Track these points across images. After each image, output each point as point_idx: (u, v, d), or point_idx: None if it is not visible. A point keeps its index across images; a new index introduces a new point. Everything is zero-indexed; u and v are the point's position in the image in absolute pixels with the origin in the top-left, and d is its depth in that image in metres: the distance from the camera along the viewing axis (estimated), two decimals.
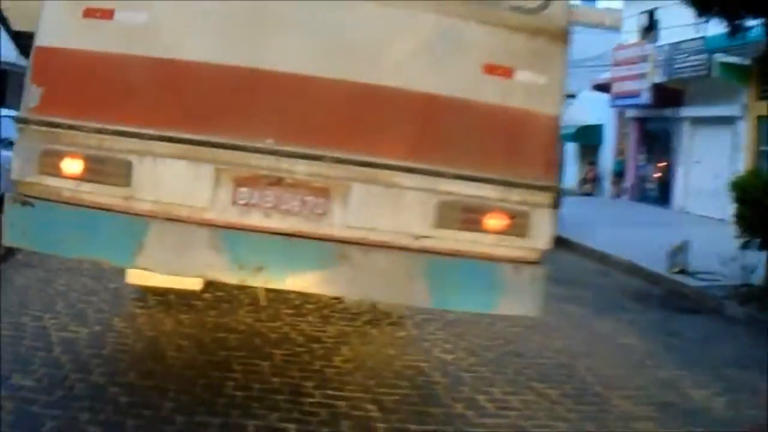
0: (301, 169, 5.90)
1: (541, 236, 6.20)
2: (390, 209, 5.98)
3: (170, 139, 5.82)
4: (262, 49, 5.93)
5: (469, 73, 6.09)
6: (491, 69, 6.11)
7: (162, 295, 10.27)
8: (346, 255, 5.96)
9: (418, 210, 6.00)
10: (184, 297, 10.24)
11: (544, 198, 6.19)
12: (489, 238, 6.12)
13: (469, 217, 6.06)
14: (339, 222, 5.98)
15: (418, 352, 9.41)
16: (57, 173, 5.88)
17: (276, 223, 5.94)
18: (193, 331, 9.16)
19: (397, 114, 6.01)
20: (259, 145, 5.84)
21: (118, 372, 7.67)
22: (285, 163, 5.88)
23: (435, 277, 6.11)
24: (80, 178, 5.88)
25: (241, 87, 5.91)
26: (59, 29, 6.00)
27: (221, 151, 5.85)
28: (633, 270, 17.51)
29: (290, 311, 10.38)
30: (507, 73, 6.14)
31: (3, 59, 28.35)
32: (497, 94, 6.12)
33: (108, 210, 5.89)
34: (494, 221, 6.10)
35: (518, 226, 6.13)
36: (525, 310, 6.44)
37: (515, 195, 6.10)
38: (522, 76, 6.17)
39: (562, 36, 6.28)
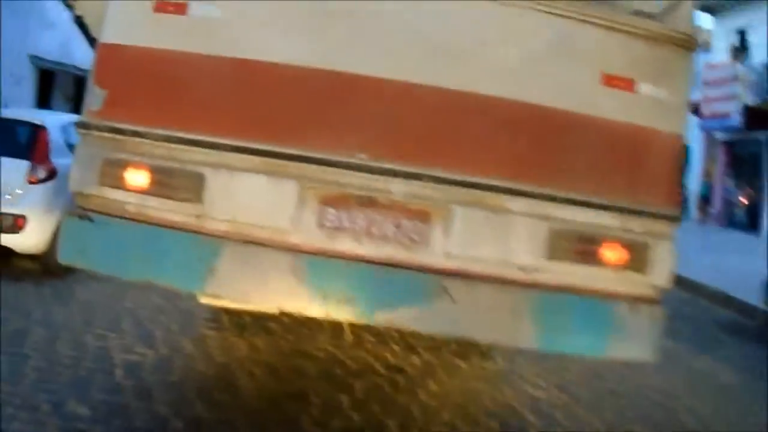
0: (398, 188, 5.26)
1: (661, 272, 5.55)
2: (496, 237, 5.34)
3: (249, 151, 5.21)
4: (354, 50, 5.29)
5: (587, 84, 5.43)
6: (610, 80, 5.44)
7: (237, 316, 9.66)
8: (446, 288, 5.29)
9: (527, 238, 5.34)
10: (260, 319, 9.62)
11: (666, 228, 5.57)
12: (605, 273, 5.46)
13: (584, 248, 5.41)
14: (439, 250, 5.33)
15: (508, 387, 8.77)
16: (120, 185, 5.34)
17: (367, 249, 5.30)
18: (268, 358, 8.57)
19: (506, 128, 5.35)
20: (350, 160, 5.21)
21: (184, 402, 7.08)
22: (379, 182, 5.25)
23: (543, 316, 5.43)
24: (146, 192, 5.32)
25: (330, 93, 5.28)
26: (127, 25, 5.45)
27: (306, 165, 5.22)
28: (725, 300, 16.70)
29: (373, 338, 9.73)
30: (628, 85, 5.47)
31: (81, 65, 28.14)
32: (617, 109, 5.44)
33: (176, 229, 5.30)
34: (612, 253, 5.45)
35: (638, 259, 5.48)
36: (639, 354, 5.74)
37: (635, 224, 5.45)
38: (644, 89, 5.50)
39: (688, 44, 5.60)
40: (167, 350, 8.47)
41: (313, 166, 5.21)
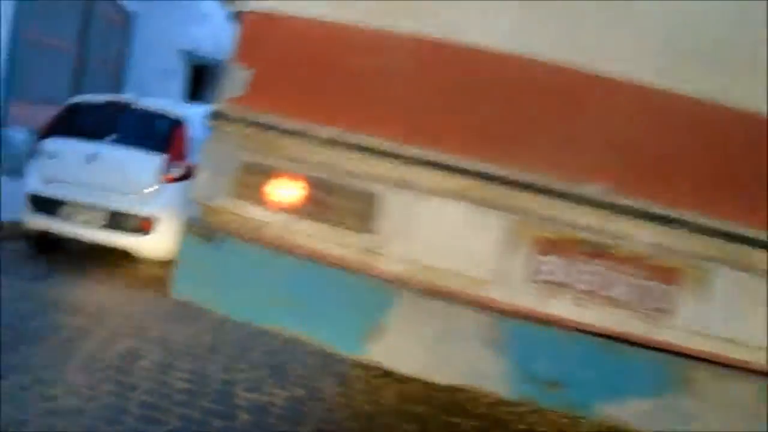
0: (642, 236, 3.79)
1: None
2: (763, 311, 3.80)
3: (443, 167, 3.85)
4: (594, 41, 3.86)
5: None
6: None
7: None
8: (693, 378, 3.82)
9: None
10: None
11: None
12: None
13: None
14: (687, 324, 3.82)
15: None
16: (261, 200, 4.07)
17: (593, 317, 3.84)
18: (421, 410, 7.17)
19: None
20: (580, 191, 3.79)
21: None
22: (617, 224, 3.79)
23: None
24: (296, 212, 4.02)
25: (562, 97, 3.86)
26: None
27: (522, 194, 3.82)
28: None
29: None
30: None
31: None
32: None
33: (334, 265, 3.99)
34: None
35: None
36: None
37: None
38: None
39: None
40: (302, 391, 7.20)
41: (531, 196, 3.82)
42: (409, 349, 3.95)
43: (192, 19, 27.13)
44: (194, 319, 8.75)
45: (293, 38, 4.13)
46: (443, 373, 4.02)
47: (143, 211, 10.11)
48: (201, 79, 29.99)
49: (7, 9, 17.65)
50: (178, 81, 28.20)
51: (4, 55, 18.04)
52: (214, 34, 27.45)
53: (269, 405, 6.69)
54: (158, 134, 10.73)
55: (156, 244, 10.12)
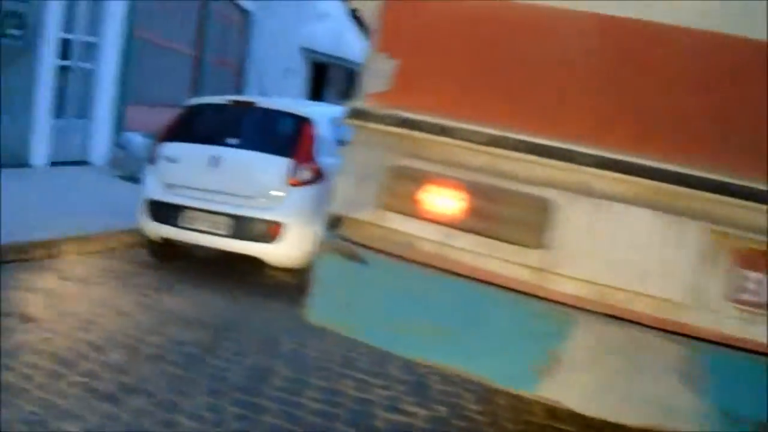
0: None
1: None
2: None
3: (629, 169, 3.34)
4: None
5: None
6: None
7: None
8: None
9: None
10: None
11: None
12: None
13: None
14: None
15: None
16: (413, 211, 3.63)
17: None
18: (570, 429, 6.58)
19: None
20: None
21: None
22: None
23: None
24: (455, 225, 3.57)
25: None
26: None
27: (722, 199, 3.29)
28: None
29: None
30: None
31: (354, 60, 28.04)
32: None
33: (500, 287, 3.52)
34: None
35: None
36: None
37: None
38: None
39: None
40: (444, 409, 6.69)
41: (733, 201, 3.28)
42: (588, 384, 3.46)
43: (311, 17, 27.13)
44: (326, 331, 8.32)
45: (447, 21, 3.67)
46: (629, 413, 3.54)
47: (270, 216, 9.69)
48: (322, 78, 29.99)
49: (120, 11, 17.63)
50: (300, 79, 28.19)
51: (119, 58, 18.01)
52: (334, 31, 27.47)
53: (408, 426, 6.23)
54: (283, 135, 10.32)
55: (284, 251, 9.71)
